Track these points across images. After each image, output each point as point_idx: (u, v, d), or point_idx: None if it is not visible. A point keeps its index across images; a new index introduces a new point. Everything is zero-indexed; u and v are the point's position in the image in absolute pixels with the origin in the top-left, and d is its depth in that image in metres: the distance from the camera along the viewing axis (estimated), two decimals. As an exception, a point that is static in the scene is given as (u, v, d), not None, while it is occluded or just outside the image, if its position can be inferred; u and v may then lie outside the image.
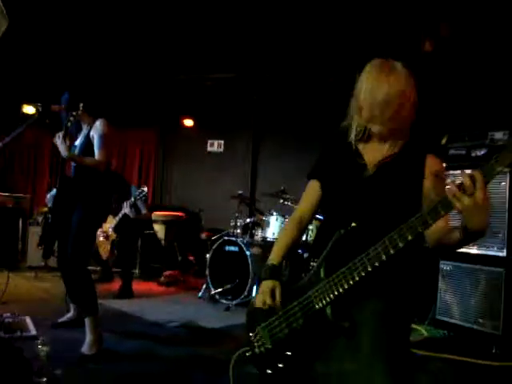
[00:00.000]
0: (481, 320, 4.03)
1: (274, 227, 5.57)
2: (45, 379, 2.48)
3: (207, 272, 5.58)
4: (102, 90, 4.96)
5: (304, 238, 5.35)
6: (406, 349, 1.76)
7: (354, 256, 1.60)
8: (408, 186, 1.75)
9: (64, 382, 2.61)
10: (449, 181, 1.48)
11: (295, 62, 7.06)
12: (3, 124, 5.27)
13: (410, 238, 1.50)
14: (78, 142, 3.61)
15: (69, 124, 3.37)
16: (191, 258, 7.69)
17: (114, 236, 6.01)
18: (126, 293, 5.58)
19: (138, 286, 6.06)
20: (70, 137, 3.51)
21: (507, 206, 3.99)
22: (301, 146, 7.29)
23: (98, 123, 3.48)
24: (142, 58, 7.35)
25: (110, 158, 3.68)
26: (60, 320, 3.99)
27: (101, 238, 6.04)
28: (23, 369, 2.38)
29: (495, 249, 4.05)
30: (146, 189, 5.77)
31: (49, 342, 2.80)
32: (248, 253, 5.25)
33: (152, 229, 7.39)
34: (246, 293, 5.13)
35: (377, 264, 1.55)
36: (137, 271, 7.00)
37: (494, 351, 3.86)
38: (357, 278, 1.58)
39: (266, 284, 1.85)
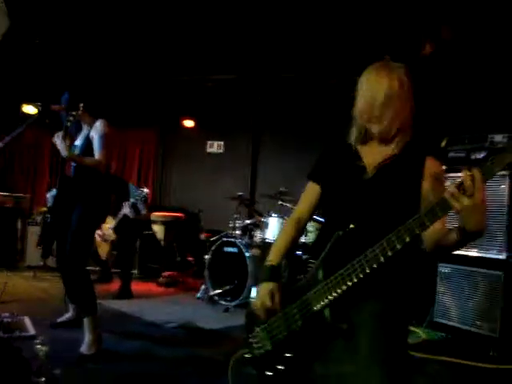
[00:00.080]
0: (478, 322, 4.04)
1: (273, 228, 5.57)
2: (43, 379, 2.47)
3: (206, 273, 5.58)
4: (103, 90, 4.97)
5: (303, 239, 5.36)
6: (404, 351, 1.76)
7: (352, 258, 1.60)
8: (407, 188, 1.76)
9: (63, 382, 2.60)
10: (448, 183, 1.48)
11: (296, 64, 7.06)
12: (3, 124, 5.28)
13: (407, 239, 1.50)
14: (77, 142, 3.61)
15: (68, 124, 3.37)
16: (190, 258, 7.69)
17: (113, 236, 6.02)
18: (125, 293, 5.58)
19: (137, 286, 6.06)
20: (70, 137, 3.51)
21: (506, 209, 4.00)
22: (301, 148, 7.30)
23: (98, 123, 3.49)
24: (143, 59, 7.36)
25: (110, 159, 3.69)
26: (59, 320, 3.98)
27: (100, 239, 6.05)
28: (22, 368, 2.38)
29: (494, 252, 4.06)
30: (146, 190, 5.77)
31: (48, 342, 2.80)
32: (247, 254, 5.25)
33: (151, 229, 7.40)
34: (244, 294, 5.13)
35: (375, 266, 1.55)
36: (136, 272, 7.00)
37: (491, 354, 3.86)
38: (355, 280, 1.58)
39: (265, 286, 1.86)
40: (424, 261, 4.09)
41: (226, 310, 5.15)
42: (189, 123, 8.64)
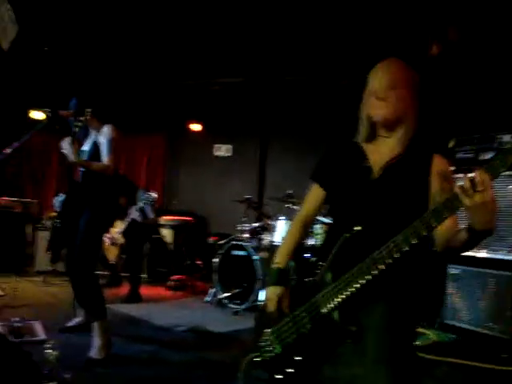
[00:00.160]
0: (489, 324, 4.01)
1: (281, 231, 5.55)
2: (54, 383, 2.48)
3: (215, 276, 5.58)
4: (110, 95, 4.98)
5: (312, 242, 5.35)
6: (413, 353, 1.75)
7: (360, 260, 1.60)
8: (414, 189, 1.75)
9: (72, 387, 2.62)
10: (457, 183, 1.48)
11: (303, 66, 7.06)
12: (12, 130, 5.31)
13: (414, 241, 1.50)
14: (85, 148, 3.62)
15: (76, 129, 3.38)
16: (199, 262, 7.69)
17: (121, 240, 6.04)
18: (134, 297, 5.59)
19: (145, 290, 6.07)
20: (78, 142, 3.54)
21: (515, 209, 3.98)
22: (308, 151, 7.27)
23: (106, 129, 3.51)
24: (150, 64, 7.39)
25: (118, 164, 3.70)
26: (68, 324, 4.00)
27: (109, 243, 6.07)
28: (32, 373, 2.39)
29: (504, 252, 4.03)
30: (154, 194, 5.79)
31: (57, 347, 2.81)
32: (255, 257, 5.25)
33: (159, 233, 7.41)
34: (253, 297, 5.12)
35: (383, 268, 1.54)
36: (144, 276, 7.01)
37: (502, 356, 3.83)
38: (363, 282, 1.58)
39: (273, 290, 1.86)
40: (433, 262, 4.07)
41: (235, 313, 5.15)
42: (196, 127, 8.66)
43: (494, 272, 4.05)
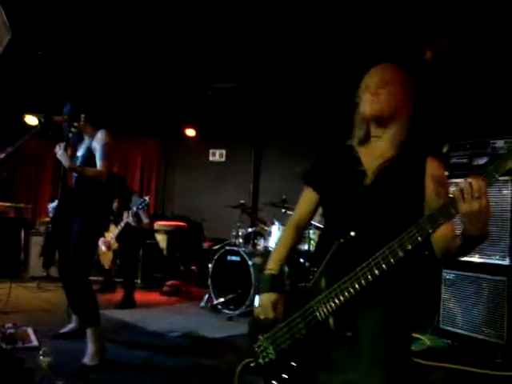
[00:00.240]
0: (484, 329, 4.01)
1: (275, 237, 5.56)
2: (46, 390, 2.47)
3: (209, 282, 5.57)
4: (104, 100, 4.98)
5: (306, 247, 5.36)
6: (408, 358, 1.75)
7: (355, 266, 1.59)
8: (408, 193, 1.74)
9: (66, 393, 2.60)
10: (451, 188, 1.48)
11: (297, 72, 7.08)
12: (6, 135, 5.29)
13: (409, 247, 1.49)
14: (79, 153, 3.61)
15: (70, 135, 3.38)
16: (193, 267, 7.68)
17: (116, 245, 6.02)
18: (128, 303, 5.57)
19: (140, 295, 6.05)
20: (72, 147, 3.53)
21: (509, 214, 3.99)
22: (303, 156, 7.26)
23: (100, 134, 3.50)
24: (144, 68, 7.38)
25: (112, 169, 3.69)
26: (62, 331, 3.97)
27: (103, 248, 6.05)
28: (24, 380, 2.37)
29: (498, 257, 4.04)
30: (147, 198, 5.78)
31: (51, 353, 2.79)
32: (250, 262, 5.24)
33: (154, 238, 7.40)
34: (248, 303, 5.11)
35: (377, 273, 1.54)
36: (139, 281, 6.99)
37: (497, 360, 3.83)
38: (358, 288, 1.58)
39: (267, 297, 1.85)
40: (427, 267, 4.08)
41: (230, 318, 5.13)
42: (190, 132, 8.67)
43: (489, 277, 4.06)
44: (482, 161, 4.23)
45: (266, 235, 5.82)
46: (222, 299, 5.31)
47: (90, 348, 3.29)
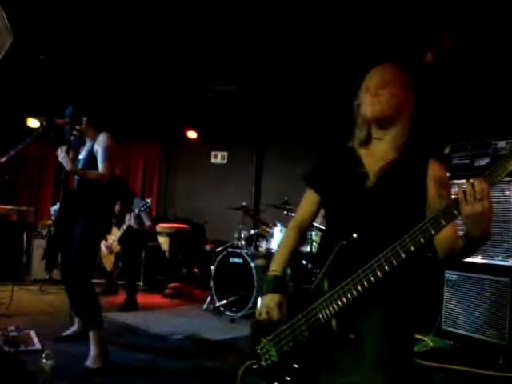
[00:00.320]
0: (487, 330, 4.01)
1: (278, 238, 5.56)
2: (49, 393, 2.47)
3: (212, 284, 5.57)
4: (106, 102, 4.99)
5: (308, 249, 5.35)
6: (410, 360, 1.74)
7: (357, 267, 1.59)
8: (410, 195, 1.74)
9: (69, 396, 2.60)
10: (454, 190, 1.48)
11: (298, 73, 7.08)
12: (8, 138, 5.30)
13: (412, 249, 1.49)
14: (81, 156, 3.62)
15: (72, 138, 3.38)
16: (196, 270, 7.68)
17: (118, 248, 6.02)
18: (130, 305, 5.57)
19: (142, 298, 6.05)
20: (74, 150, 3.54)
21: (512, 215, 3.99)
22: (304, 157, 7.26)
23: (102, 136, 3.50)
24: (146, 71, 7.39)
25: (114, 171, 3.69)
26: (64, 334, 3.97)
27: (105, 250, 6.05)
28: (27, 383, 2.38)
29: (500, 258, 4.04)
30: (150, 201, 5.79)
31: (53, 356, 2.80)
32: (252, 264, 5.24)
33: (156, 241, 7.40)
34: (250, 304, 5.11)
35: (380, 275, 1.54)
36: (141, 283, 6.99)
37: (500, 361, 3.83)
38: (361, 290, 1.58)
39: (271, 298, 1.85)
40: (430, 268, 4.08)
41: (232, 320, 5.13)
42: (192, 134, 8.68)
43: (491, 278, 4.06)
44: (483, 162, 4.23)
45: (268, 237, 5.82)
46: (224, 301, 5.31)
47: (93, 351, 3.29)
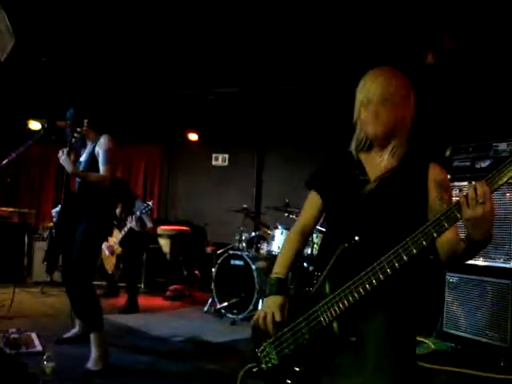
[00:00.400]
0: (488, 332, 4.00)
1: (279, 241, 5.55)
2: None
3: (213, 286, 5.57)
4: (107, 105, 4.99)
5: (310, 251, 5.35)
6: (412, 361, 1.74)
7: (359, 270, 1.59)
8: (411, 199, 1.74)
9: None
10: (454, 192, 1.48)
11: (299, 75, 7.09)
12: (9, 140, 5.31)
13: (415, 252, 1.49)
14: (82, 158, 3.63)
15: (73, 140, 3.39)
16: (197, 272, 7.67)
17: (119, 250, 6.02)
18: (131, 307, 5.57)
19: (143, 300, 6.05)
20: (75, 153, 3.54)
21: (513, 217, 3.98)
22: (305, 160, 7.28)
23: (103, 139, 3.50)
24: (147, 74, 7.40)
25: (115, 174, 3.70)
26: (65, 336, 3.98)
27: (106, 253, 6.05)
28: (29, 385, 2.38)
29: (502, 260, 4.03)
30: (151, 203, 5.79)
31: (54, 358, 2.80)
32: (253, 267, 5.23)
33: (157, 243, 7.40)
34: (251, 307, 5.10)
35: (382, 278, 1.54)
36: (142, 286, 6.99)
37: (501, 364, 3.82)
38: (362, 293, 1.57)
39: (274, 300, 1.84)
40: (431, 270, 4.08)
41: (233, 323, 5.13)
42: (193, 137, 8.68)
43: (492, 280, 4.05)
44: (484, 164, 4.23)
45: (269, 239, 5.81)
46: (225, 303, 5.31)
47: (94, 353, 3.30)
